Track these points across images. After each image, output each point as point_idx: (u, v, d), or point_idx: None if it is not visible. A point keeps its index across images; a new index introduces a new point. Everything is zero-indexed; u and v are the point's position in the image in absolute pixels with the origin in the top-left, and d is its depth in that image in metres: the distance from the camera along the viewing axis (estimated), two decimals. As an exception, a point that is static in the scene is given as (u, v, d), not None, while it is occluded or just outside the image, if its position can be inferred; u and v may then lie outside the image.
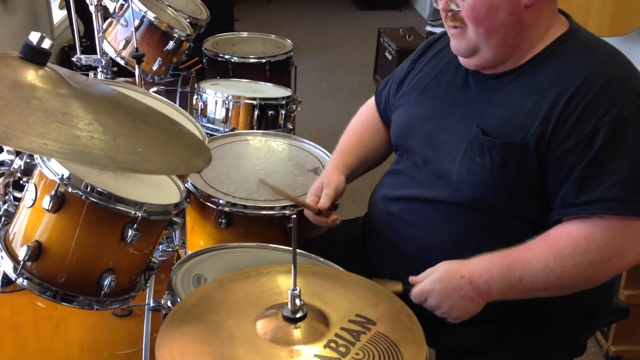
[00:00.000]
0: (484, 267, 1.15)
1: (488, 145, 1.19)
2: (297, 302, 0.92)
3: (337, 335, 0.92)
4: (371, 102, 1.61)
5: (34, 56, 0.96)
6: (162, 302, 1.23)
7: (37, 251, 1.10)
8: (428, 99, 1.36)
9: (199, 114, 2.26)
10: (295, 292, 0.92)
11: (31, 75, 0.94)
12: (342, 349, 0.89)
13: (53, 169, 1.08)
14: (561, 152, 1.13)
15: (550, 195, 1.17)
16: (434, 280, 1.17)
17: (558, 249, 1.12)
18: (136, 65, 2.03)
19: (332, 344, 0.90)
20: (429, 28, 4.57)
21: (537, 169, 1.16)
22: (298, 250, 1.38)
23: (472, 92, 1.28)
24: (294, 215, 0.92)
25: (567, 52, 1.19)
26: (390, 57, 4.27)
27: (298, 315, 0.92)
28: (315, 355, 0.88)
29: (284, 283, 1.05)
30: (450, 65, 1.35)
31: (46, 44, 0.96)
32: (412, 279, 1.21)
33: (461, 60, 1.28)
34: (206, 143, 1.58)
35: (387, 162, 1.57)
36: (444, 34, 1.44)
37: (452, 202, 1.25)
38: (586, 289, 1.17)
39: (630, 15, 2.53)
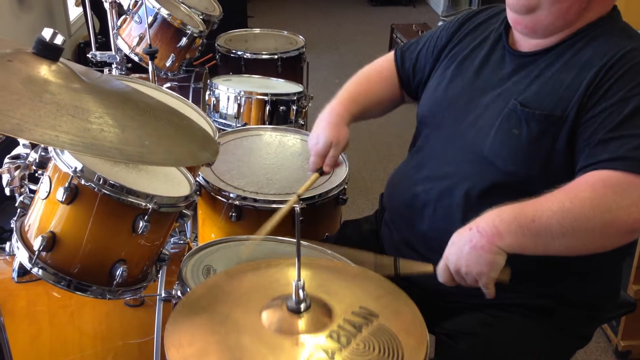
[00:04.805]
0: (493, 213, 1.13)
1: (526, 117, 1.19)
2: (301, 293, 0.94)
3: (339, 326, 0.94)
4: (389, 56, 1.58)
5: (47, 52, 0.98)
6: (173, 292, 1.26)
7: (52, 241, 1.13)
8: (463, 74, 1.36)
9: (212, 109, 2.29)
10: (299, 283, 0.94)
11: (44, 70, 0.97)
12: (343, 340, 0.91)
13: (67, 162, 1.11)
14: (590, 116, 1.14)
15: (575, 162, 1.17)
16: (448, 247, 1.17)
17: (575, 192, 1.09)
18: (150, 62, 2.06)
19: (335, 335, 0.92)
20: (442, 24, 4.54)
21: (572, 141, 1.16)
22: (309, 244, 1.41)
23: (509, 68, 1.29)
24: (298, 209, 0.94)
25: (605, 34, 1.21)
26: (403, 53, 4.26)
27: (302, 307, 0.94)
28: (318, 345, 0.90)
29: (292, 275, 1.07)
30: (487, 41, 1.35)
31: (58, 39, 0.98)
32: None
33: (512, 17, 1.26)
34: (217, 138, 1.61)
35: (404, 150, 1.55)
36: (482, 10, 1.44)
37: (478, 179, 1.25)
38: (595, 276, 1.16)
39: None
